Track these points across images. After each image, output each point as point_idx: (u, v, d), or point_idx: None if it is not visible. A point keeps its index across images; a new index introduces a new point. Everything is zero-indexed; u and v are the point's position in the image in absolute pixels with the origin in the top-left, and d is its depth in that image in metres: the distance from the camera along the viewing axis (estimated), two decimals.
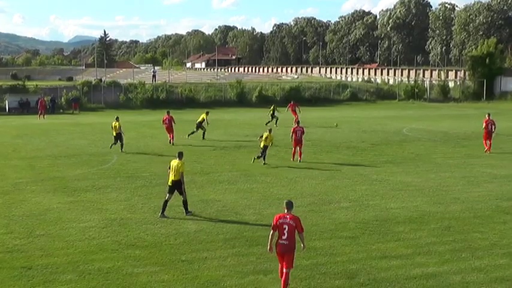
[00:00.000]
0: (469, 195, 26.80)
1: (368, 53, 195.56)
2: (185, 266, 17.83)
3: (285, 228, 15.63)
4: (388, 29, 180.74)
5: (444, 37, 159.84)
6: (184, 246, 19.58)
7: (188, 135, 46.37)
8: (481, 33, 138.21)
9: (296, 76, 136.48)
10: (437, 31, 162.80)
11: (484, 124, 41.02)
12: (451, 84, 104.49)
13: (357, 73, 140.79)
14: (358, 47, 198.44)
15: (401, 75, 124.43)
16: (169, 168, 23.39)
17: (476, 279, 16.83)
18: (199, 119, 46.88)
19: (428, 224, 22.13)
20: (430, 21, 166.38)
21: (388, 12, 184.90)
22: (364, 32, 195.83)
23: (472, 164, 35.41)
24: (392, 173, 32.19)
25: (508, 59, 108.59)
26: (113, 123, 40.76)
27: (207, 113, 47.82)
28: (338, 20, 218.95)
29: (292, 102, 60.10)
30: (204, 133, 46.43)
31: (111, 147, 40.51)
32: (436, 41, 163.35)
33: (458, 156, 38.46)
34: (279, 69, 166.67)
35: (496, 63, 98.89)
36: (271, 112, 56.64)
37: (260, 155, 35.18)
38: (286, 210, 16.02)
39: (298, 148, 36.22)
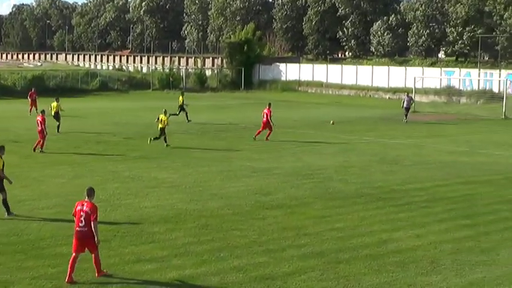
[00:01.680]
0: (228, 191, 27.54)
1: (119, 38, 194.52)
2: None
3: (82, 216, 16.85)
4: (141, 12, 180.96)
5: (200, 22, 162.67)
6: None
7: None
8: (238, 18, 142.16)
9: (40, 63, 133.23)
10: (193, 16, 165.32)
11: (263, 113, 43.25)
12: (208, 73, 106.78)
13: (108, 60, 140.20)
14: (108, 31, 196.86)
15: (156, 62, 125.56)
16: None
17: (235, 279, 17.32)
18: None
19: (185, 223, 22.47)
20: (185, 5, 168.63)
21: None
22: (115, 16, 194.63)
23: (231, 157, 36.44)
24: (147, 169, 32.34)
25: (268, 47, 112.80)
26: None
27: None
28: (86, 1, 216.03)
29: (32, 90, 59.05)
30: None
31: None
32: (192, 26, 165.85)
33: (216, 149, 39.38)
34: (20, 56, 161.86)
35: (254, 50, 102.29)
36: (181, 103, 55.13)
37: (158, 137, 39.66)
38: (86, 198, 17.23)
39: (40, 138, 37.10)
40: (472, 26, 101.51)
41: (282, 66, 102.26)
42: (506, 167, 34.54)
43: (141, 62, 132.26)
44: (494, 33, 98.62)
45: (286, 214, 23.87)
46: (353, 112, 64.82)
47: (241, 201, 25.83)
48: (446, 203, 26.11)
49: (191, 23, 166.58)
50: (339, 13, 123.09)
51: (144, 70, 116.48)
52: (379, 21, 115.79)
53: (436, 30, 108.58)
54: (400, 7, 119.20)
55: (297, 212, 24.32)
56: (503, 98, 62.81)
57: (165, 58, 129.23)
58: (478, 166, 34.65)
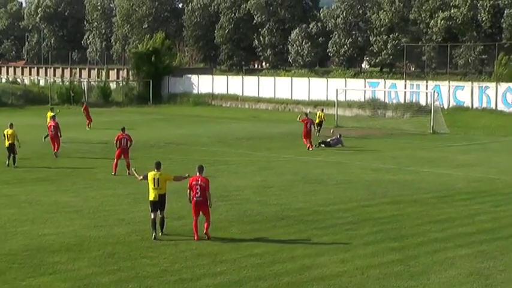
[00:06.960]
0: (136, 215, 27.34)
1: (14, 48, 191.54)
2: None
3: (197, 188, 23.55)
4: (37, 19, 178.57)
5: (104, 30, 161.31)
6: None
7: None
8: (145, 26, 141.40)
9: None
10: (96, 23, 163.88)
11: (304, 123, 48.85)
12: (112, 86, 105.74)
13: (0, 73, 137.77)
14: (1, 40, 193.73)
15: (55, 74, 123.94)
16: (146, 179, 24.64)
17: None
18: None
19: (89, 252, 22.21)
20: (87, 11, 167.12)
21: (36, 0, 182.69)
22: (8, 23, 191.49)
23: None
24: (46, 193, 31.91)
25: (178, 57, 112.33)
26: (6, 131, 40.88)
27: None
28: None
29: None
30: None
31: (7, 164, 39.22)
32: (94, 34, 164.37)
33: (122, 170, 38.97)
34: None
35: (163, 61, 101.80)
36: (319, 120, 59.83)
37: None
38: (198, 173, 23.87)
39: None
40: (397, 34, 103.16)
41: (194, 78, 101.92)
42: (435, 185, 35.14)
43: (38, 74, 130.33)
44: (420, 42, 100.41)
45: (200, 240, 23.80)
46: (271, 127, 65.14)
47: (149, 226, 25.60)
48: (372, 224, 26.44)
49: (93, 31, 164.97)
50: (255, 21, 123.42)
51: (42, 83, 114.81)
52: (297, 29, 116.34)
53: (359, 39, 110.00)
54: (320, 14, 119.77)
55: (212, 236, 24.28)
56: (430, 111, 63.95)
57: (65, 70, 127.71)
58: (405, 184, 35.20)
